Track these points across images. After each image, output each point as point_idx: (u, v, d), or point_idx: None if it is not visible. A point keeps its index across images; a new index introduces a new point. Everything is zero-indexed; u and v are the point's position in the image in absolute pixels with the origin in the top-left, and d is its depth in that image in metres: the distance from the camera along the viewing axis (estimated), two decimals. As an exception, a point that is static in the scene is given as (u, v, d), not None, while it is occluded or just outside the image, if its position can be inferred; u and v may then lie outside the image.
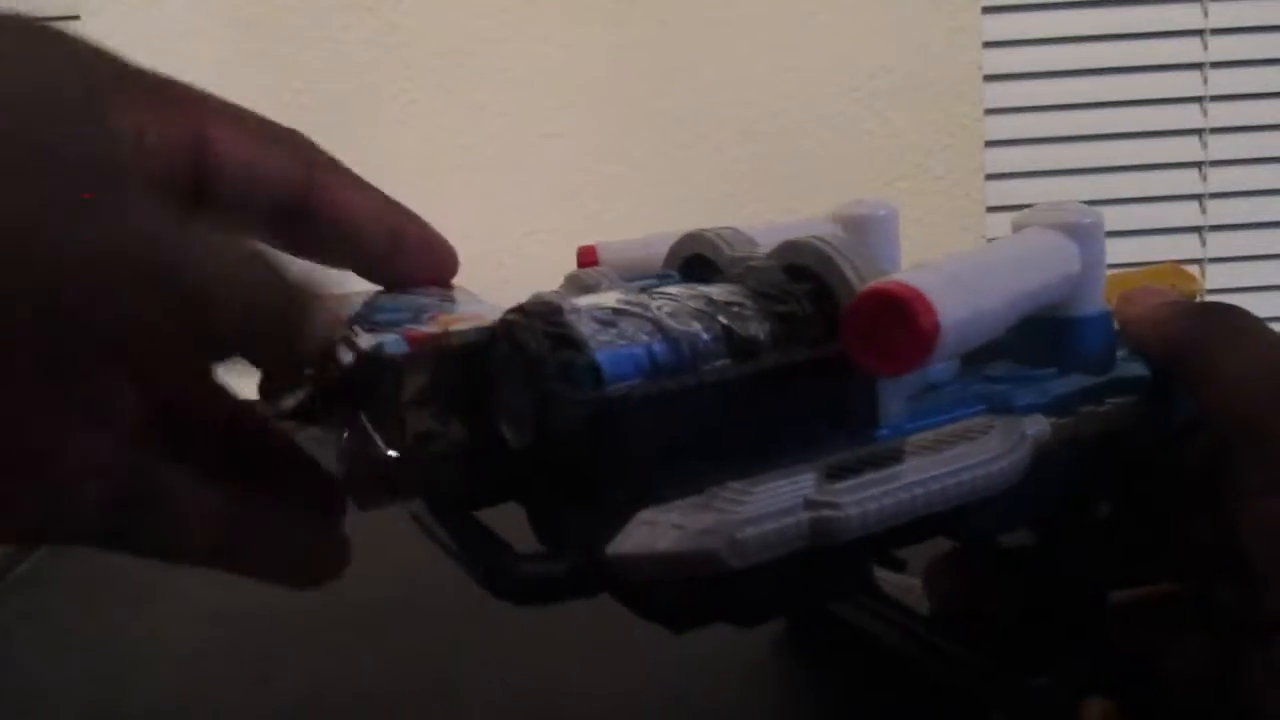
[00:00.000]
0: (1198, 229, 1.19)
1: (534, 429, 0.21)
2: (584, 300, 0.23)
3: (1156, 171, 1.18)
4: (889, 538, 0.22)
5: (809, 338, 0.23)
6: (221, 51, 1.11)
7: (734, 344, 0.22)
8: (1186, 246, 1.19)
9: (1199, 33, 1.16)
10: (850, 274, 0.23)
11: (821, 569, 0.22)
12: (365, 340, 0.23)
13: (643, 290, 0.24)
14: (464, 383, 0.23)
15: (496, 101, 1.11)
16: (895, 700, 0.33)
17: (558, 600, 0.21)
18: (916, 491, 0.20)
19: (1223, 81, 1.16)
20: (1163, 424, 0.28)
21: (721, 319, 0.23)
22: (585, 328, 0.21)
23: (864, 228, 0.32)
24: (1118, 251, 1.18)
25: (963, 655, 0.30)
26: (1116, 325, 0.28)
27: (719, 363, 0.22)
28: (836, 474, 0.21)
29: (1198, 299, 0.35)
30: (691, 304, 0.23)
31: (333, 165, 0.25)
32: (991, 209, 1.16)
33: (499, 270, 1.11)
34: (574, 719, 0.34)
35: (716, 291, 0.24)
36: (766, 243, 0.28)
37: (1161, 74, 1.16)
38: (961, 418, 0.24)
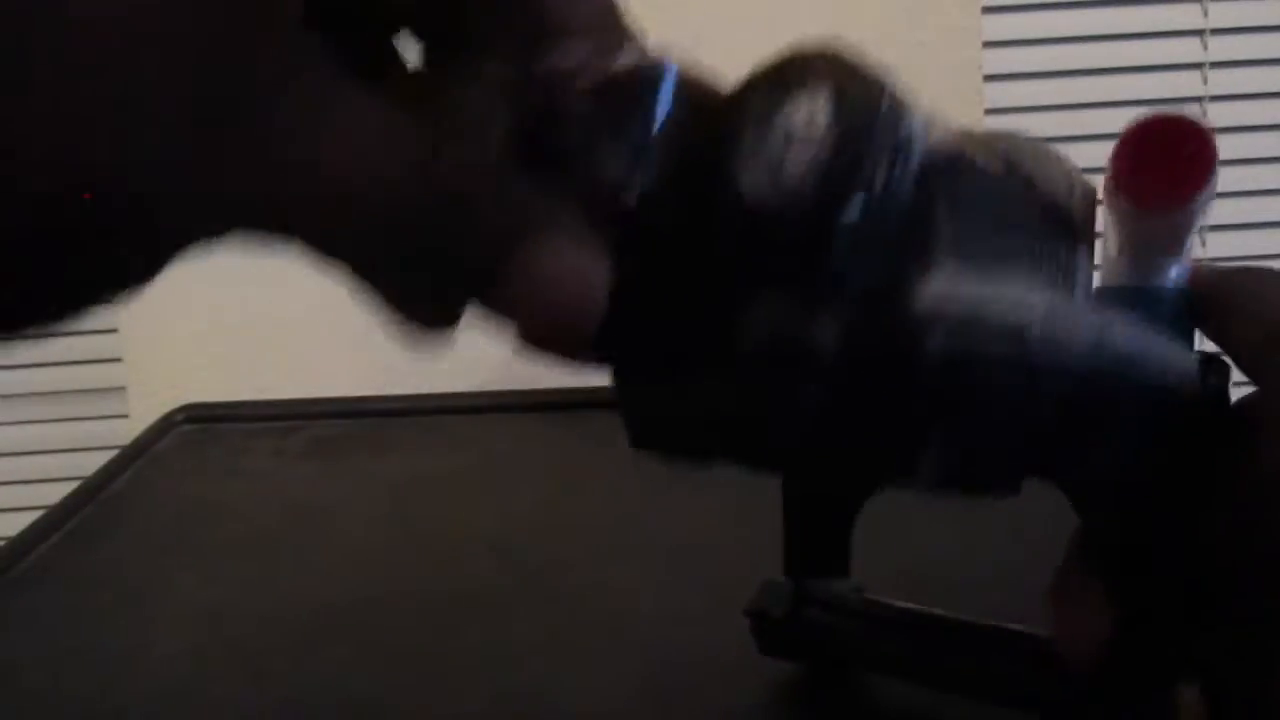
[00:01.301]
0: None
1: (841, 164, 0.20)
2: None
3: (1156, 171, 1.18)
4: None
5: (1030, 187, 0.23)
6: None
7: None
8: (1186, 246, 1.19)
9: (1199, 33, 1.16)
10: (1036, 155, 0.24)
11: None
12: None
13: None
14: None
15: (497, 101, 1.11)
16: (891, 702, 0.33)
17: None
18: (1135, 336, 0.22)
19: (1223, 81, 1.16)
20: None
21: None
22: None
23: None
24: (1118, 251, 1.19)
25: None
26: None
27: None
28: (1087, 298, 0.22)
29: None
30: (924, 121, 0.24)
31: None
32: (991, 209, 1.16)
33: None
34: (567, 718, 0.34)
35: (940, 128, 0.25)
36: None
37: (1161, 74, 1.16)
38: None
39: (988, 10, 1.14)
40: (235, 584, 0.43)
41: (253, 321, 1.10)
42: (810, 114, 0.21)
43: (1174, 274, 0.27)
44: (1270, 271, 0.26)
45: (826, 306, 0.20)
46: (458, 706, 0.35)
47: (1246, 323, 0.25)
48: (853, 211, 0.20)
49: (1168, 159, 0.21)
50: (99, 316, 1.20)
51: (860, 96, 0.21)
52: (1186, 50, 1.16)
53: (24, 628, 0.41)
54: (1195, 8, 1.15)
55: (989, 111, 1.15)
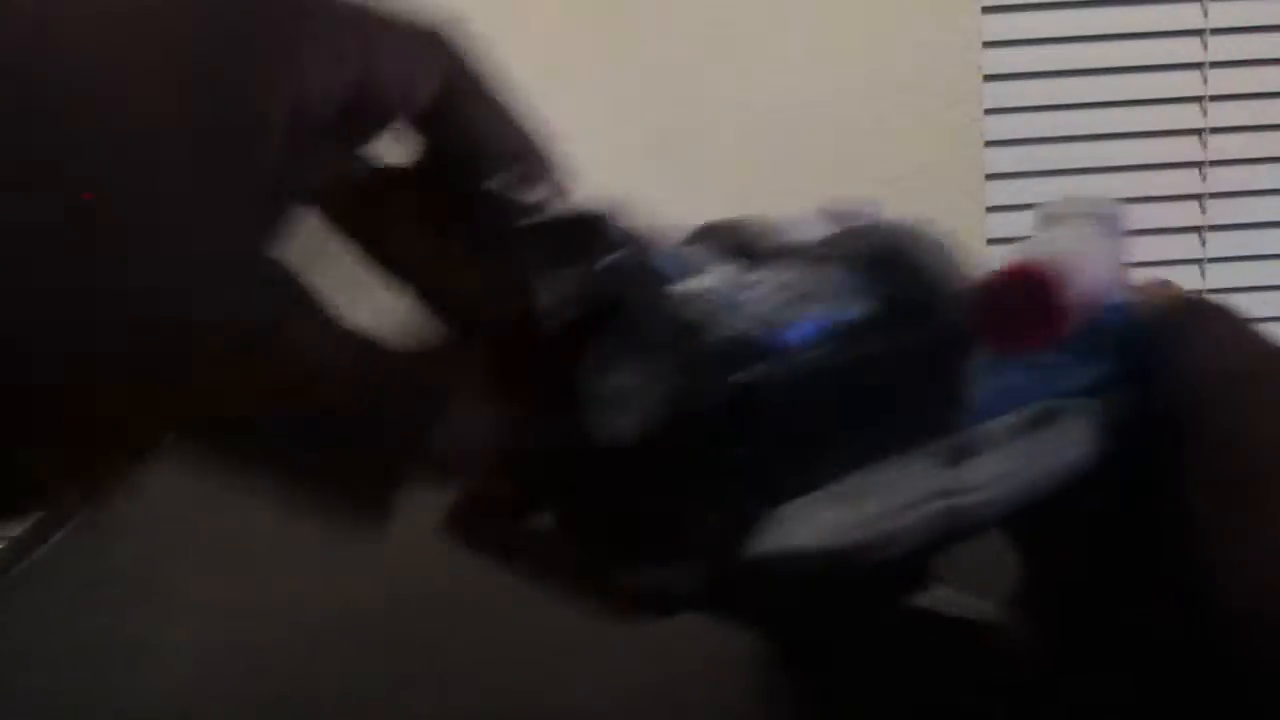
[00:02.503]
0: (1198, 229, 1.19)
1: (662, 414, 0.20)
2: (706, 278, 0.22)
3: (1156, 171, 1.18)
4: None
5: (902, 321, 0.23)
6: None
7: (840, 329, 0.22)
8: (1186, 246, 1.19)
9: (1199, 33, 1.16)
10: (929, 257, 0.23)
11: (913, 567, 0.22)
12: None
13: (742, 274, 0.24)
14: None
15: (497, 101, 1.11)
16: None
17: (676, 613, 0.21)
18: (1022, 479, 0.21)
19: (1223, 81, 1.16)
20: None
21: (820, 303, 0.22)
22: (702, 313, 0.20)
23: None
24: (1118, 251, 1.19)
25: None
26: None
27: (826, 349, 0.21)
28: (953, 461, 0.21)
29: None
30: (793, 287, 0.22)
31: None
32: (991, 209, 1.16)
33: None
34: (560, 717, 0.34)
35: (812, 273, 0.23)
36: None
37: (1161, 74, 1.16)
38: (1027, 402, 0.25)
39: (988, 10, 1.14)
40: (238, 582, 0.43)
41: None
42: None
43: (1114, 303, 0.28)
44: (1213, 307, 0.27)
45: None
46: (461, 704, 0.35)
47: (1193, 362, 0.25)
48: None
49: (1020, 312, 0.21)
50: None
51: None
52: (1186, 50, 1.16)
53: (25, 626, 0.41)
54: (1195, 8, 1.15)
55: (989, 111, 1.15)
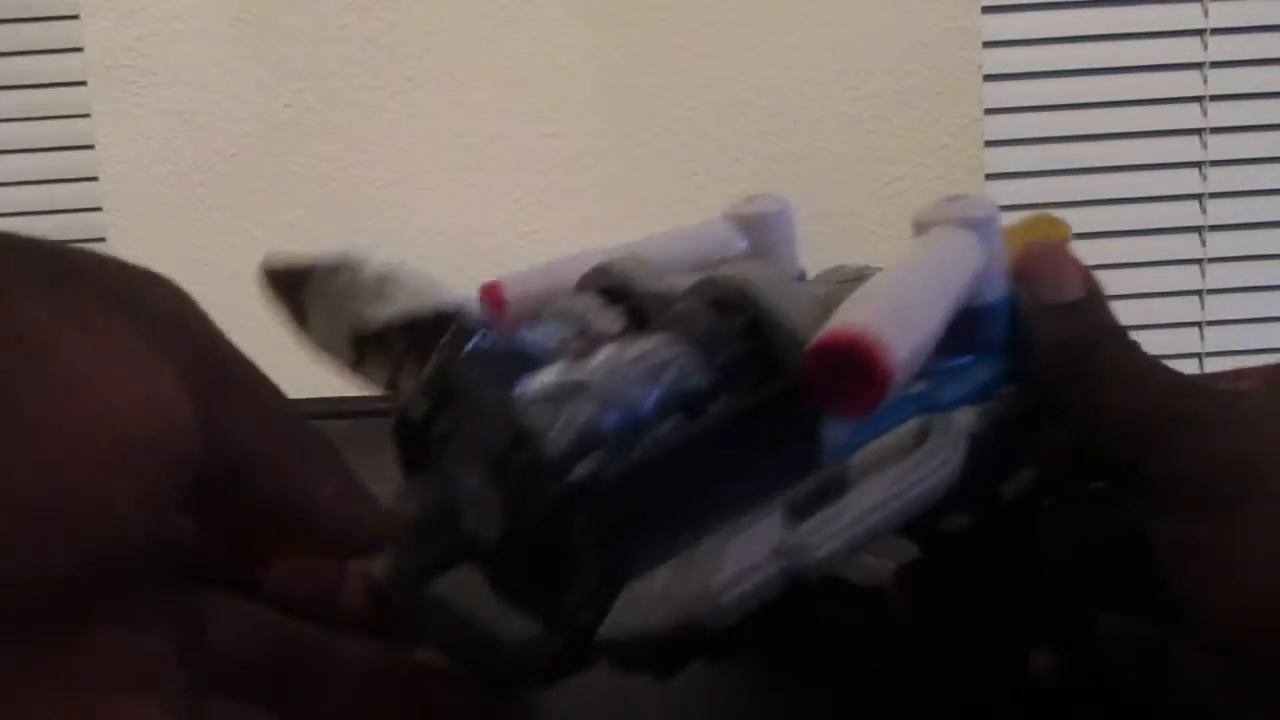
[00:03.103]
0: (1198, 229, 1.19)
1: (497, 520, 0.21)
2: (532, 383, 0.22)
3: (1156, 171, 1.18)
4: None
5: (751, 380, 0.23)
6: (221, 51, 1.11)
7: (683, 402, 0.22)
8: (1186, 246, 1.19)
9: (1199, 33, 1.16)
10: (778, 308, 0.23)
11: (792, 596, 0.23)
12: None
13: (581, 354, 0.24)
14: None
15: (496, 101, 1.11)
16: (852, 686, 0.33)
17: (547, 685, 0.21)
18: (874, 519, 0.21)
19: (1223, 81, 1.16)
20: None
21: (666, 375, 0.23)
22: (540, 418, 0.21)
23: (759, 226, 0.33)
24: (1118, 251, 1.18)
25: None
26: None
27: (669, 422, 0.22)
28: (797, 513, 0.21)
29: (1069, 243, 0.36)
30: (634, 366, 0.23)
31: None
32: (991, 209, 1.16)
33: (498, 270, 1.11)
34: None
35: (655, 347, 0.23)
36: (671, 255, 0.29)
37: (1161, 74, 1.16)
38: (896, 424, 0.25)
39: (988, 10, 1.14)
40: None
41: (252, 321, 1.10)
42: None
43: (996, 295, 0.28)
44: (1125, 353, 0.27)
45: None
46: (456, 704, 0.35)
47: (1121, 403, 0.26)
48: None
49: (842, 380, 0.21)
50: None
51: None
52: (1186, 50, 1.16)
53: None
54: (1195, 8, 1.15)
55: (989, 111, 1.15)
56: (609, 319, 0.27)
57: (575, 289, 0.29)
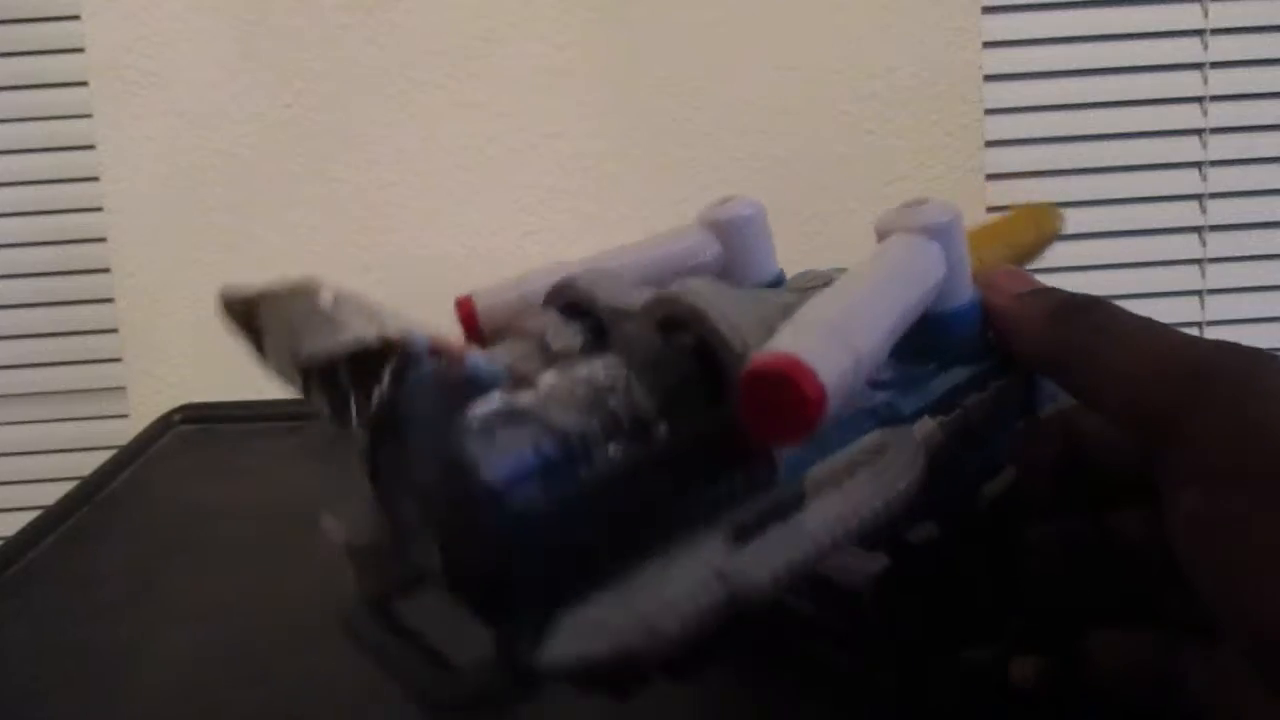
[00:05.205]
0: (1198, 229, 1.19)
1: (435, 551, 0.21)
2: (472, 412, 0.22)
3: (1156, 171, 1.18)
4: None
5: (698, 403, 0.23)
6: (221, 51, 1.11)
7: (626, 427, 0.22)
8: (1186, 246, 1.19)
9: (1199, 33, 1.16)
10: (725, 328, 0.23)
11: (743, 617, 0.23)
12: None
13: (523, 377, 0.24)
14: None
15: (496, 101, 1.11)
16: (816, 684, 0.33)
17: (498, 711, 0.21)
18: (822, 540, 0.21)
19: (1223, 81, 1.16)
20: (1030, 401, 0.29)
21: (610, 402, 0.22)
22: (477, 447, 0.20)
23: (731, 230, 0.32)
24: (1117, 252, 1.18)
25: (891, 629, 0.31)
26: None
27: (612, 448, 0.22)
28: (742, 534, 0.21)
29: (1058, 234, 0.34)
30: (577, 390, 0.22)
31: None
32: (991, 209, 1.16)
33: (498, 270, 1.11)
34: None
35: (600, 371, 0.23)
36: (643, 265, 0.29)
37: (1161, 74, 1.16)
38: (855, 439, 0.24)
39: (988, 10, 1.13)
40: (233, 584, 0.43)
41: (252, 321, 1.10)
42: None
43: (960, 301, 0.27)
44: (1103, 318, 0.25)
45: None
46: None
47: (1120, 371, 0.24)
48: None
49: (775, 407, 0.20)
50: (98, 317, 1.18)
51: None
52: (1186, 50, 1.16)
53: (20, 627, 0.41)
54: (1195, 8, 1.15)
55: (989, 111, 1.15)
56: (568, 336, 0.26)
57: (543, 304, 0.29)
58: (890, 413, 0.25)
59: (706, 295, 0.24)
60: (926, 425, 0.25)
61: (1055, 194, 1.16)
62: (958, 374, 0.27)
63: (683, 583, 0.20)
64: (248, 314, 0.25)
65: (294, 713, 0.35)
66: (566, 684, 0.20)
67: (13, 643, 0.40)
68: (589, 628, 0.19)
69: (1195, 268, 1.20)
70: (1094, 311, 0.25)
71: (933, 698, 0.31)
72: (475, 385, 0.22)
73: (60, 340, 1.17)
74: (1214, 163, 1.18)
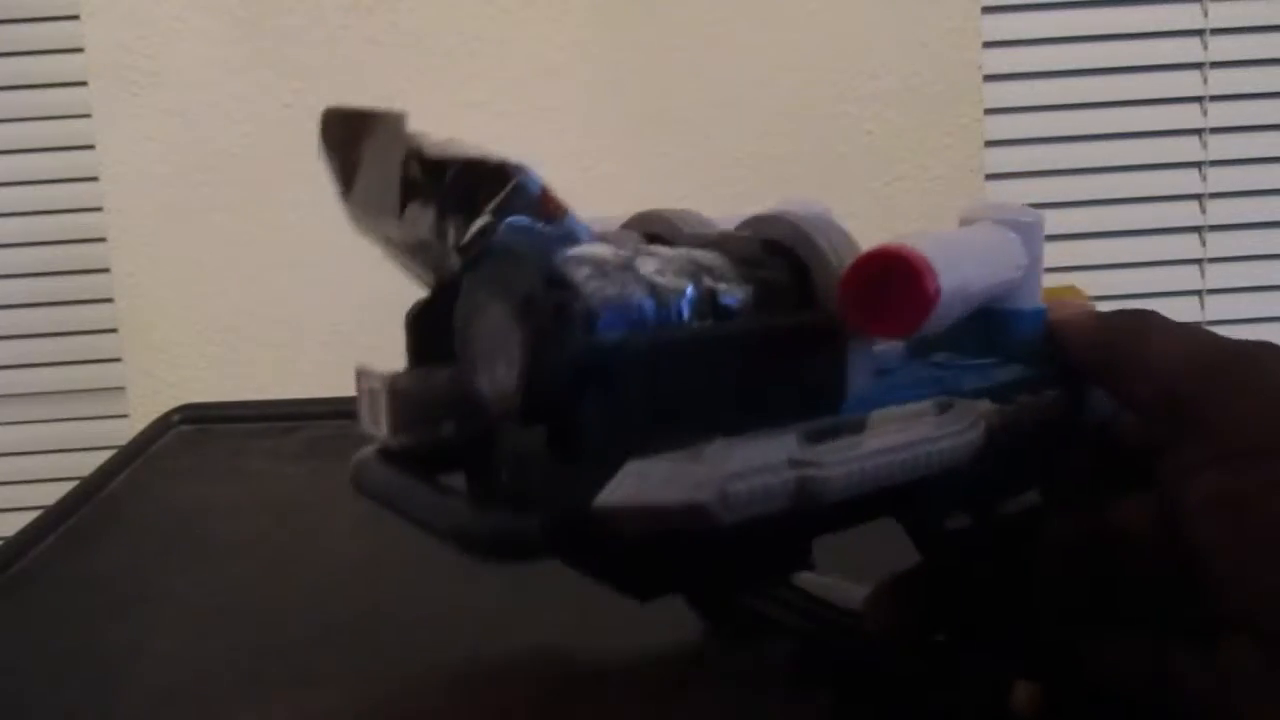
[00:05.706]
0: (1198, 229, 1.19)
1: (517, 374, 0.20)
2: (572, 249, 0.22)
3: (1156, 171, 1.18)
4: (839, 516, 0.22)
5: (787, 306, 0.23)
6: (221, 51, 1.11)
7: (716, 306, 0.22)
8: (1186, 246, 1.19)
9: (1199, 33, 1.16)
10: (826, 248, 0.24)
11: (779, 543, 0.23)
12: None
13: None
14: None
15: (496, 101, 1.11)
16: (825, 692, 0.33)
17: (527, 559, 0.21)
18: (893, 458, 0.21)
19: (1223, 81, 1.16)
20: (1080, 420, 0.29)
21: (706, 280, 0.23)
22: (577, 273, 0.21)
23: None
24: (1117, 252, 1.18)
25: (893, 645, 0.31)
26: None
27: (702, 323, 0.22)
28: (815, 438, 0.21)
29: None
30: (676, 263, 0.23)
31: None
32: (991, 209, 1.16)
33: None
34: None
35: (699, 254, 0.24)
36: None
37: (1161, 74, 1.16)
38: (916, 399, 0.25)
39: (988, 10, 1.14)
40: (232, 584, 0.43)
41: (252, 321, 1.10)
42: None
43: (1028, 304, 0.28)
44: (1150, 319, 0.27)
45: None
46: (455, 707, 0.35)
47: (1150, 375, 0.25)
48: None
49: (884, 296, 0.21)
50: (98, 317, 1.18)
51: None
52: (1186, 50, 1.16)
53: (20, 628, 0.41)
54: (1195, 8, 1.15)
55: (989, 111, 1.15)
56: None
57: (622, 227, 0.29)
58: (953, 383, 0.26)
59: (811, 217, 0.24)
60: (986, 404, 0.25)
61: (1055, 194, 1.16)
62: (1015, 370, 0.28)
63: (758, 459, 0.20)
64: (354, 133, 0.24)
65: (294, 712, 0.35)
66: (609, 533, 0.20)
67: (13, 643, 0.40)
68: (658, 478, 0.19)
69: (1195, 268, 1.20)
70: (1140, 316, 0.27)
71: (934, 701, 0.31)
72: (575, 239, 0.22)
73: (60, 340, 1.17)
74: (1214, 163, 1.18)
